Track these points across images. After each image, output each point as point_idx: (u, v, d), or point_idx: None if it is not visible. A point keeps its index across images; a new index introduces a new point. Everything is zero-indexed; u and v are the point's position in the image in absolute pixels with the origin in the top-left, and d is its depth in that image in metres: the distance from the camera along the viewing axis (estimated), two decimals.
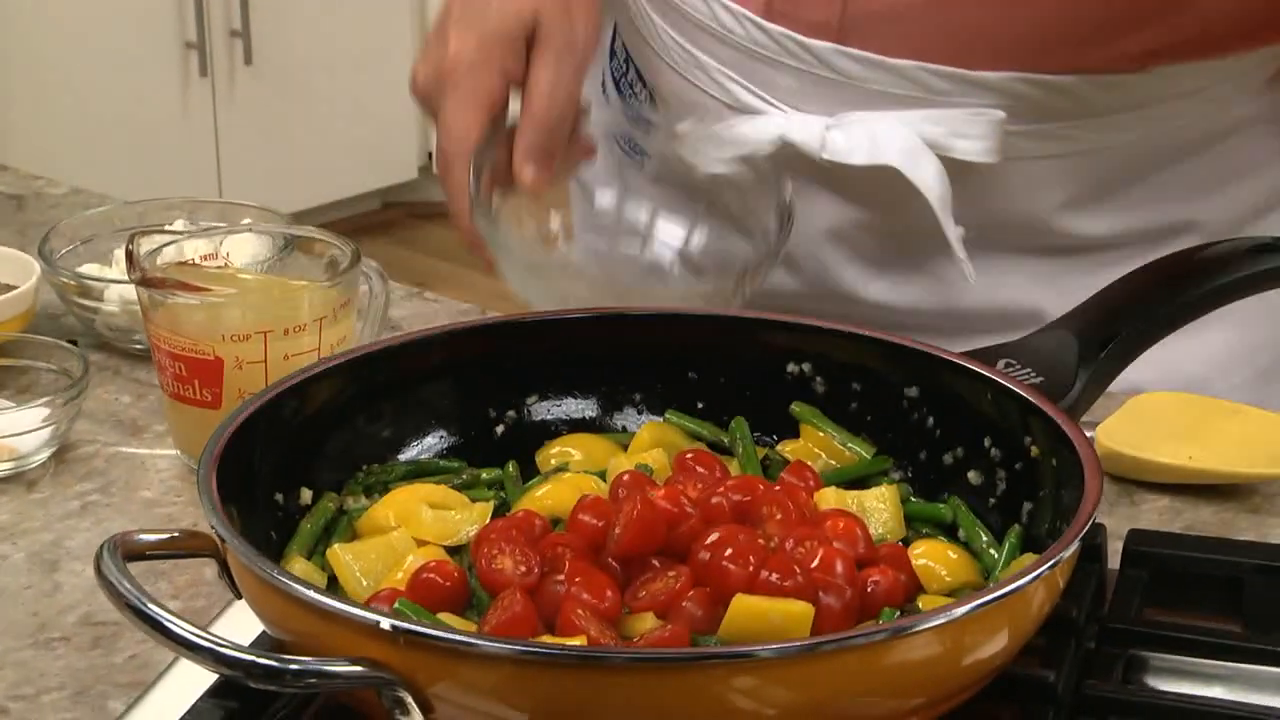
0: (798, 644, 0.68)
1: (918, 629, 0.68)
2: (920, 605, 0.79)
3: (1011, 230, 1.16)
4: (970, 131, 1.08)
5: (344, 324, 1.04)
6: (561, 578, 0.77)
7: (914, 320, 1.17)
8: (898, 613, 0.77)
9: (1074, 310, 0.95)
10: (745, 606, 0.73)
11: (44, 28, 3.42)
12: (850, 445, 0.90)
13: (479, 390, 0.93)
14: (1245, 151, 1.16)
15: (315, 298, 1.02)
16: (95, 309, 1.17)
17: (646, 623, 0.75)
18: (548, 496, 0.86)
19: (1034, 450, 0.84)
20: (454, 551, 0.84)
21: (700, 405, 0.93)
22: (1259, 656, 0.82)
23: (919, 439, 0.89)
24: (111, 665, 0.87)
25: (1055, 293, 1.16)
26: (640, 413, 0.94)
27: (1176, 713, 0.78)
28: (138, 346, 1.17)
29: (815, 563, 0.76)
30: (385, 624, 0.67)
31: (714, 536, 0.77)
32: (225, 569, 0.76)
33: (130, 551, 0.73)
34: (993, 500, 0.86)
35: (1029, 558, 0.80)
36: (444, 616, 0.77)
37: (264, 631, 0.76)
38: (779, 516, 0.81)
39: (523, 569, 0.78)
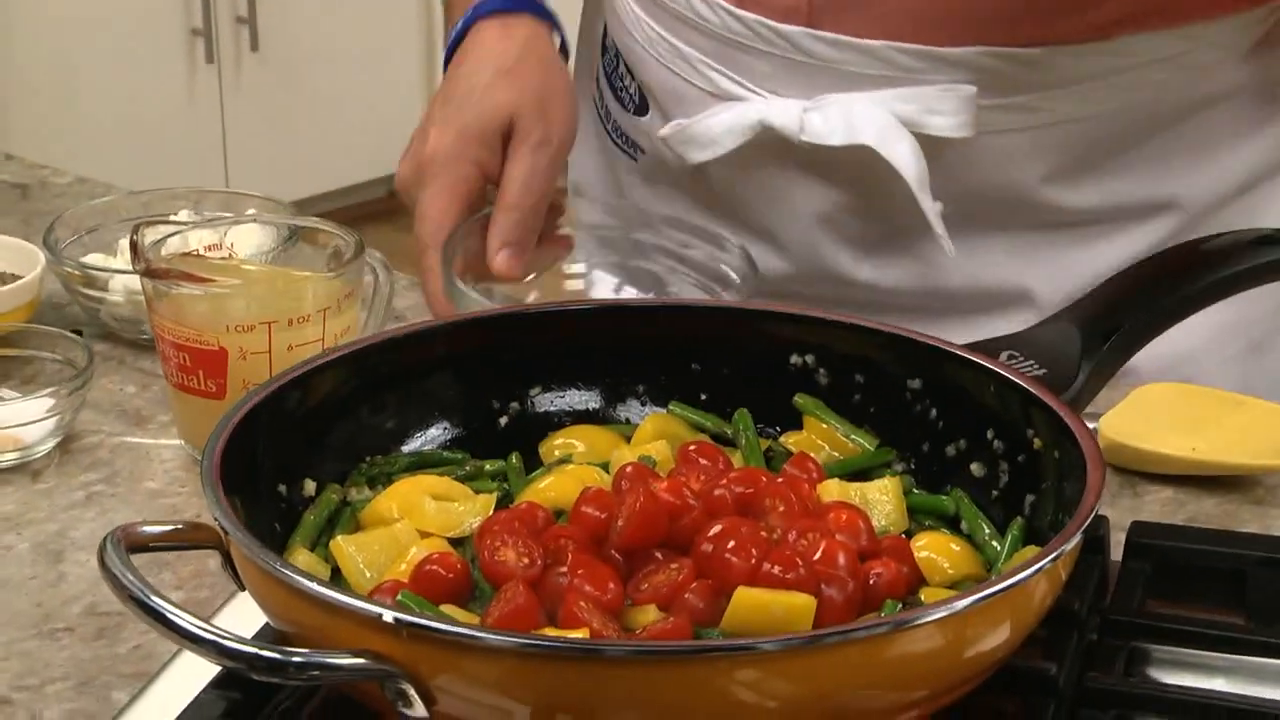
0: (800, 637, 0.68)
1: (920, 622, 0.68)
2: (922, 598, 0.79)
3: (993, 205, 1.18)
4: (943, 107, 1.11)
5: (348, 315, 1.04)
6: (564, 570, 0.77)
7: (902, 301, 1.20)
8: (900, 605, 0.77)
9: (1076, 302, 0.95)
10: (747, 599, 0.73)
11: (49, 15, 3.42)
12: (853, 437, 0.90)
13: (482, 381, 0.93)
14: (1227, 123, 1.17)
15: (319, 289, 1.02)
16: (100, 299, 1.17)
17: (649, 615, 0.75)
18: (551, 488, 0.86)
19: (1036, 442, 0.84)
20: (457, 543, 0.84)
21: (703, 397, 0.93)
22: (1262, 649, 0.82)
23: (922, 431, 0.89)
24: (115, 656, 0.87)
25: (1040, 270, 1.18)
26: (643, 404, 0.94)
27: (1179, 705, 0.78)
28: (143, 337, 1.17)
29: (817, 555, 0.76)
30: (388, 616, 0.67)
31: (716, 529, 0.77)
32: (229, 561, 0.76)
33: (134, 543, 0.73)
34: (995, 492, 0.86)
35: (1031, 550, 0.80)
36: (447, 608, 0.77)
37: (267, 623, 0.77)
38: (781, 508, 0.81)
39: (525, 561, 0.78)
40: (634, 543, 0.78)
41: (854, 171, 1.16)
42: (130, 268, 1.07)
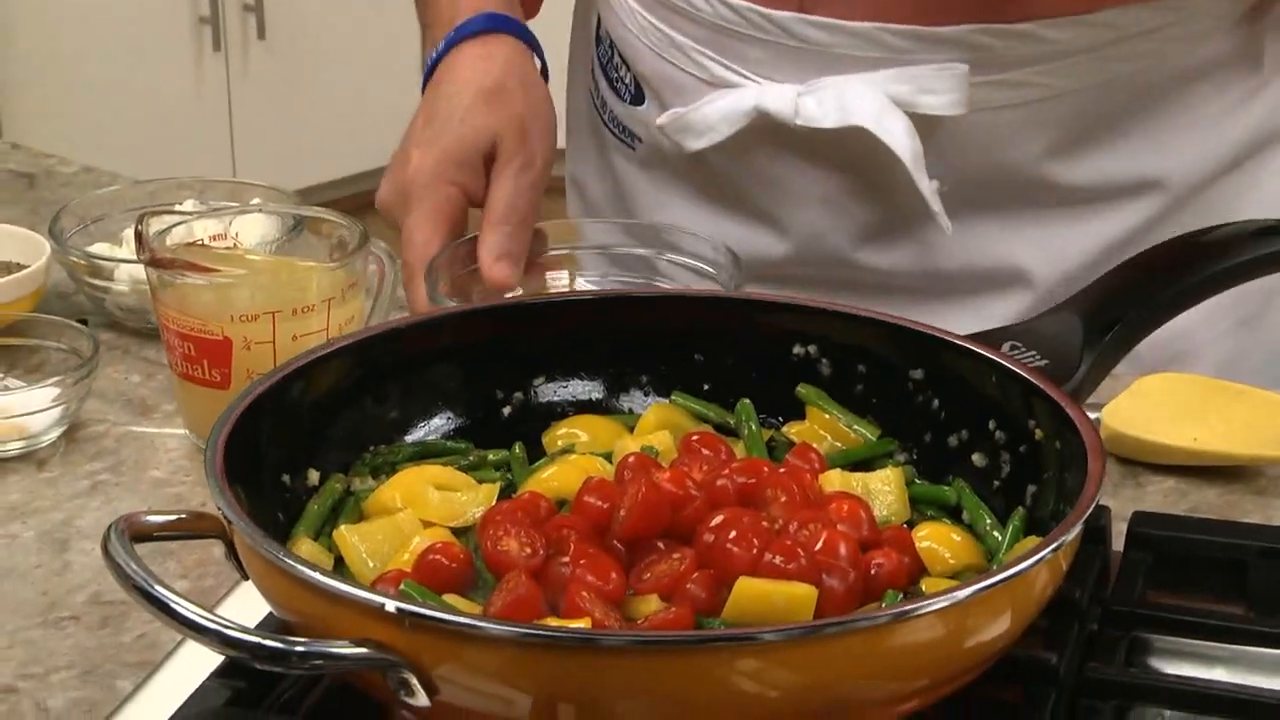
0: (801, 627, 0.69)
1: (921, 612, 0.68)
2: (924, 588, 0.80)
3: (989, 183, 1.18)
4: (936, 86, 1.12)
5: (352, 305, 1.04)
6: (566, 560, 0.77)
7: (901, 282, 1.21)
8: (901, 595, 0.77)
9: (1079, 293, 0.95)
10: (749, 589, 0.73)
11: (55, 4, 3.42)
12: (855, 427, 0.91)
13: (486, 372, 0.93)
14: (1216, 97, 1.18)
15: (323, 279, 1.03)
16: (105, 288, 1.18)
17: (651, 605, 0.75)
18: (553, 478, 0.86)
19: (1038, 433, 0.84)
20: (460, 533, 0.84)
21: (706, 387, 0.94)
22: (1262, 639, 0.82)
23: (924, 421, 0.89)
24: (120, 644, 0.87)
25: (1035, 249, 1.19)
26: (646, 394, 0.94)
27: (1180, 695, 0.78)
28: (148, 326, 1.17)
29: (819, 545, 0.76)
30: (390, 606, 0.68)
31: (718, 519, 0.77)
32: (232, 550, 0.77)
33: (138, 533, 0.74)
34: (997, 483, 0.86)
35: (1033, 540, 0.80)
36: (450, 598, 0.77)
37: (271, 612, 0.77)
38: (784, 499, 0.81)
39: (528, 551, 0.78)
40: (636, 533, 0.78)
41: (850, 154, 1.16)
42: (135, 257, 1.07)
